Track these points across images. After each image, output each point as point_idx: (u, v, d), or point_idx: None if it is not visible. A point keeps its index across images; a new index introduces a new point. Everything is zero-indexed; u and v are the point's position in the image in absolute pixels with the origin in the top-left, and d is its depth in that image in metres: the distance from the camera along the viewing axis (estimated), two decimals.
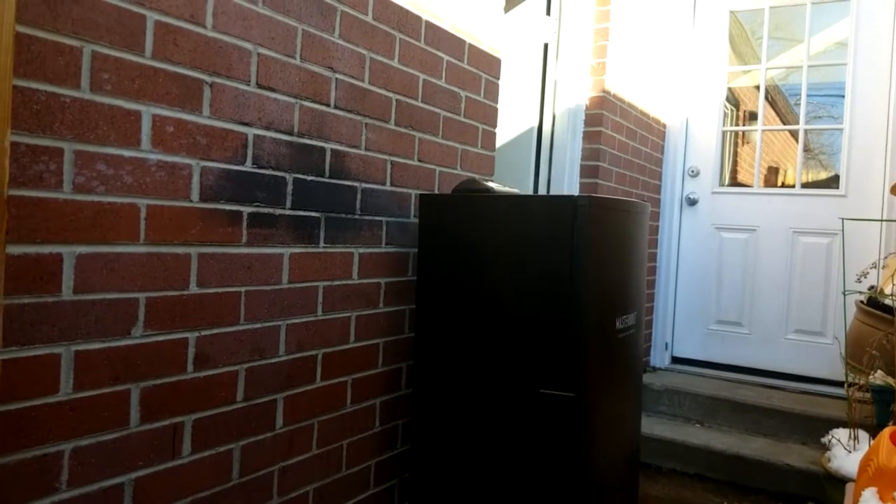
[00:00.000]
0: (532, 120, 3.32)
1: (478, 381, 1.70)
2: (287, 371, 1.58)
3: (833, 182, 3.90)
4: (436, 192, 2.06)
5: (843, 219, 3.09)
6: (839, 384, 3.34)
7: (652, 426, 3.41)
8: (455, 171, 2.15)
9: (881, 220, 3.48)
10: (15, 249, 1.07)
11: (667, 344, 4.11)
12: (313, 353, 1.65)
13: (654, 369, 4.03)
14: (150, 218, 1.27)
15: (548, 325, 1.59)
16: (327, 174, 1.66)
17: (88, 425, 1.17)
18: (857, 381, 2.88)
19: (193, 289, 1.35)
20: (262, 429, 1.52)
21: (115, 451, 1.22)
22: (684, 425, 3.47)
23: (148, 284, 1.27)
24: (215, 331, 1.40)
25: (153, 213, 1.27)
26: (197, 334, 1.36)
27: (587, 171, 3.33)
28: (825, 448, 2.87)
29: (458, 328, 1.74)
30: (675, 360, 4.13)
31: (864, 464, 2.32)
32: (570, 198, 1.58)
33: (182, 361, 1.33)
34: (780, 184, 4.76)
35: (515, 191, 2.03)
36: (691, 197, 4.13)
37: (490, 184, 1.98)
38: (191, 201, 1.34)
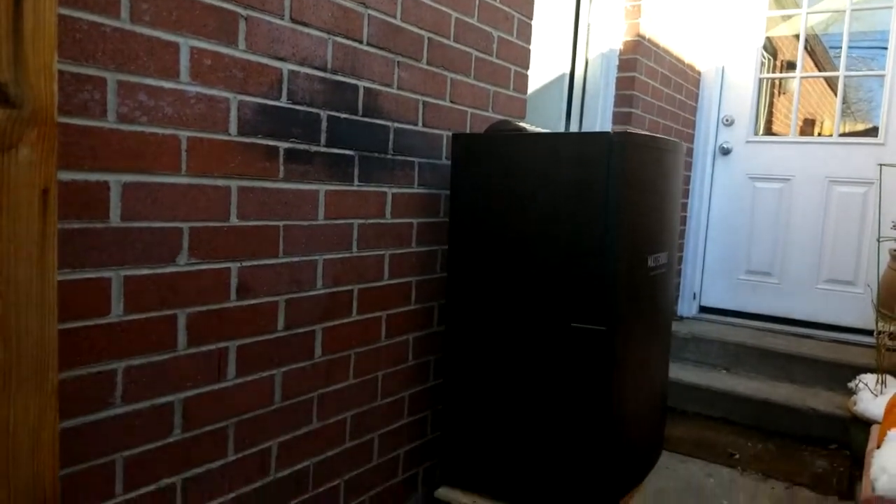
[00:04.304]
0: (564, 66, 3.27)
1: (509, 316, 1.73)
2: (324, 304, 1.62)
3: (871, 133, 3.81)
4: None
5: (881, 165, 3.02)
6: (869, 333, 3.33)
7: (678, 372, 3.44)
8: (487, 114, 2.14)
9: None
10: (64, 176, 1.11)
11: (695, 294, 4.10)
12: (349, 288, 1.69)
13: (682, 318, 4.04)
14: (191, 150, 1.30)
15: (581, 260, 1.61)
16: (360, 112, 1.67)
17: (139, 346, 1.23)
18: (887, 328, 2.87)
19: (234, 221, 1.39)
20: (302, 357, 1.57)
21: (164, 372, 1.28)
22: (710, 371, 3.50)
23: (191, 215, 1.30)
24: (256, 262, 1.44)
25: (193, 146, 1.30)
26: (239, 265, 1.40)
27: (620, 118, 3.28)
28: (852, 393, 2.87)
29: (489, 266, 1.76)
30: (703, 309, 4.13)
31: (891, 405, 2.33)
32: (605, 134, 1.58)
33: (225, 290, 1.38)
34: (816, 135, 4.65)
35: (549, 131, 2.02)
36: (725, 146, 4.06)
37: (523, 124, 1.97)
38: (229, 135, 1.37)
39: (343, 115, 1.62)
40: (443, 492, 1.85)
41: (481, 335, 1.78)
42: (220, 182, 1.36)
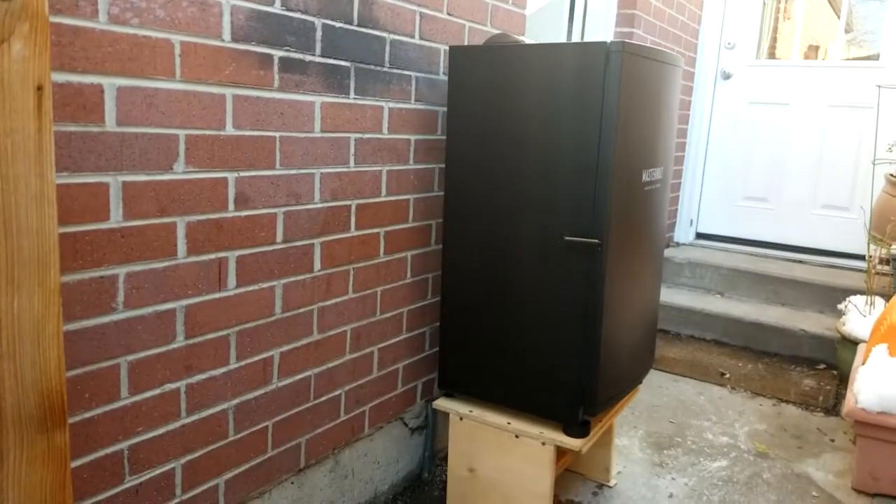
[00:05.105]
0: None
1: (504, 231, 1.74)
2: (323, 218, 1.62)
3: (873, 59, 3.75)
4: None
5: (879, 86, 2.99)
6: (861, 257, 3.37)
7: (672, 296, 3.49)
8: (485, 28, 2.09)
9: None
10: (59, 77, 1.09)
11: (692, 220, 4.12)
12: (347, 203, 1.69)
13: (678, 244, 4.07)
14: (185, 55, 1.27)
15: (576, 171, 1.61)
16: (356, 22, 1.63)
17: (139, 252, 1.24)
18: (878, 251, 2.90)
19: (230, 130, 1.37)
20: (302, 270, 1.58)
21: (165, 279, 1.29)
22: (704, 295, 3.55)
23: (186, 122, 1.29)
24: (253, 173, 1.44)
25: (187, 50, 1.27)
26: (236, 175, 1.40)
27: (621, 39, 3.21)
28: (841, 315, 2.93)
29: (486, 182, 1.76)
30: (700, 235, 4.16)
31: (878, 323, 2.38)
32: (602, 43, 1.55)
33: (223, 200, 1.38)
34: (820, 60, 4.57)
35: None
36: (726, 71, 4.00)
37: (522, 38, 1.93)
38: (222, 40, 1.33)
39: (338, 25, 1.58)
40: (441, 402, 1.91)
41: (477, 251, 1.79)
42: (215, 89, 1.33)
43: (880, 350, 2.24)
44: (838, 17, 3.90)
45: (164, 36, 1.23)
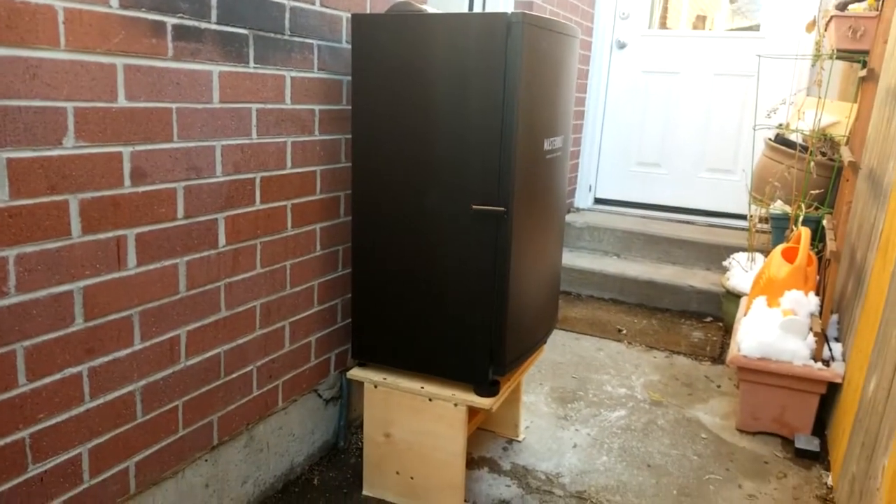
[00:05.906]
0: None
1: (412, 201, 1.76)
2: (226, 192, 1.59)
3: (755, 29, 4.00)
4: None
5: (759, 56, 3.20)
6: (743, 217, 3.64)
7: (574, 259, 3.64)
8: None
9: (794, 57, 3.61)
10: None
11: (590, 186, 4.29)
12: (251, 175, 1.66)
13: (578, 210, 4.23)
14: (69, 22, 1.20)
15: (480, 141, 1.65)
16: None
17: (30, 233, 1.18)
18: (758, 211, 3.15)
19: (122, 102, 1.31)
20: (206, 246, 1.55)
21: (60, 260, 1.23)
22: (603, 257, 3.73)
23: (74, 94, 1.22)
24: (149, 147, 1.38)
25: (71, 17, 1.20)
26: (131, 149, 1.34)
27: (521, 8, 3.27)
28: (726, 271, 3.17)
29: (393, 151, 1.77)
30: (598, 200, 4.34)
31: (758, 277, 2.60)
32: (503, 14, 1.58)
33: (118, 175, 1.32)
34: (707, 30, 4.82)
35: None
36: (621, 40, 4.14)
37: (425, 7, 1.93)
38: (110, 7, 1.27)
39: None
40: (355, 372, 1.93)
41: (387, 221, 1.81)
42: (104, 59, 1.27)
43: (760, 302, 2.44)
44: None
45: (45, 2, 1.16)
